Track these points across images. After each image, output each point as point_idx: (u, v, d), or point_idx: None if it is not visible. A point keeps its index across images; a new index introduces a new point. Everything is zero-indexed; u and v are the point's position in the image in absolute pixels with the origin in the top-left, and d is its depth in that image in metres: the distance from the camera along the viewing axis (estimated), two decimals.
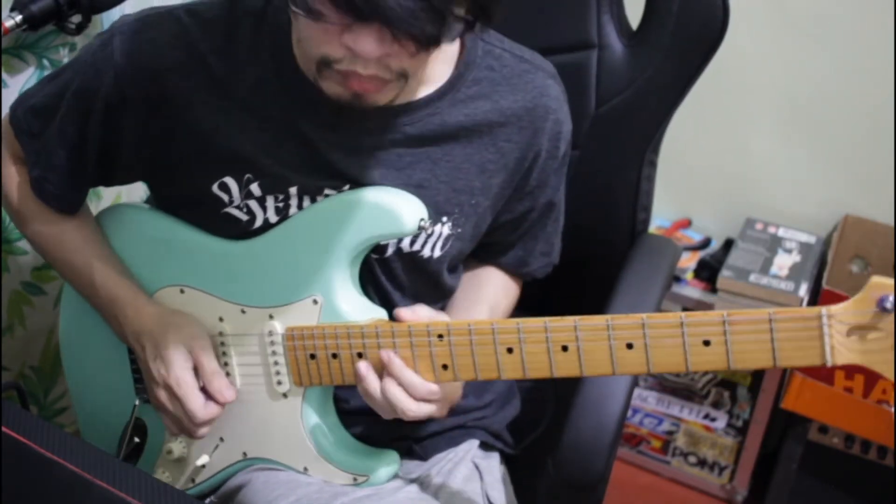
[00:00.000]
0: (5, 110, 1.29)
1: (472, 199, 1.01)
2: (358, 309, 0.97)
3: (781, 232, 1.96)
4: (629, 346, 0.84)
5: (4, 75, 1.29)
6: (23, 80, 1.32)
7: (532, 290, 1.20)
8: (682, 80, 1.20)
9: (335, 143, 0.95)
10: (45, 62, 1.33)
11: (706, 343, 0.82)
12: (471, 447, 1.11)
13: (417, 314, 0.93)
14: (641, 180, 1.27)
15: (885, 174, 1.84)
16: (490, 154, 1.00)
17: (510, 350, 0.89)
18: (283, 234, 0.98)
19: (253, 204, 0.98)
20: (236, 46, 0.94)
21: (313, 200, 0.97)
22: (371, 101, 0.88)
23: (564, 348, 0.87)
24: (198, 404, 0.97)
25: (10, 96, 1.30)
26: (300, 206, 0.97)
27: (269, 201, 0.97)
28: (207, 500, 1.09)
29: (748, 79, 1.90)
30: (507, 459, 1.15)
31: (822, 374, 1.72)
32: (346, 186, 0.96)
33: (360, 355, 0.95)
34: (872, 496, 1.88)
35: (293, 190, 0.96)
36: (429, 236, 1.00)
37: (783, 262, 1.88)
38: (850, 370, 1.71)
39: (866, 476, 1.87)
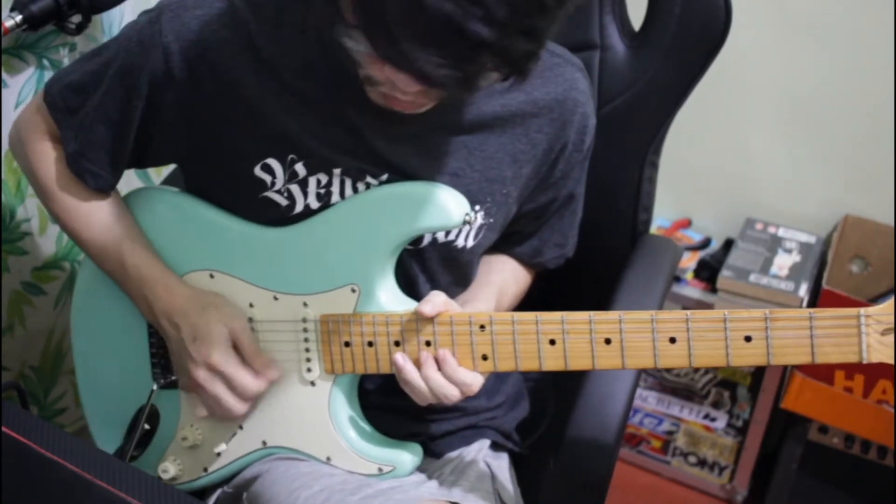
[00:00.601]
0: (5, 110, 1.29)
1: (503, 188, 1.02)
2: (395, 299, 0.98)
3: (781, 232, 1.96)
4: (672, 340, 0.88)
5: (4, 75, 1.29)
6: (23, 80, 1.32)
7: (532, 290, 1.19)
8: (684, 81, 1.21)
9: (378, 130, 0.96)
10: (45, 62, 1.33)
11: (748, 339, 0.86)
12: (482, 446, 1.12)
13: (435, 304, 0.94)
14: (643, 181, 1.27)
15: (885, 174, 1.84)
16: (522, 144, 1.01)
17: (553, 342, 0.91)
18: (323, 221, 0.98)
19: (294, 188, 0.98)
20: (284, 28, 0.94)
21: (355, 185, 0.97)
22: (410, 112, 0.89)
23: (608, 341, 0.90)
24: (249, 380, 0.98)
25: (11, 96, 1.30)
26: (342, 192, 0.98)
27: (312, 185, 0.97)
28: (219, 491, 1.09)
29: (748, 79, 1.90)
30: (513, 458, 1.16)
31: (822, 374, 1.72)
32: (385, 175, 0.97)
33: (397, 343, 0.96)
34: (872, 496, 1.89)
35: (337, 171, 0.97)
36: (464, 226, 1.01)
37: (783, 262, 1.88)
38: (851, 370, 1.71)
39: (866, 476, 1.87)
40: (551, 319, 0.91)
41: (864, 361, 0.84)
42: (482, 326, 0.93)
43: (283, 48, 0.94)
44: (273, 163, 0.97)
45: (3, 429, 0.84)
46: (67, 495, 0.80)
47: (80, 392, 1.18)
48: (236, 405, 0.99)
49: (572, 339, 0.90)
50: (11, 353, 1.45)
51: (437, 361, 0.94)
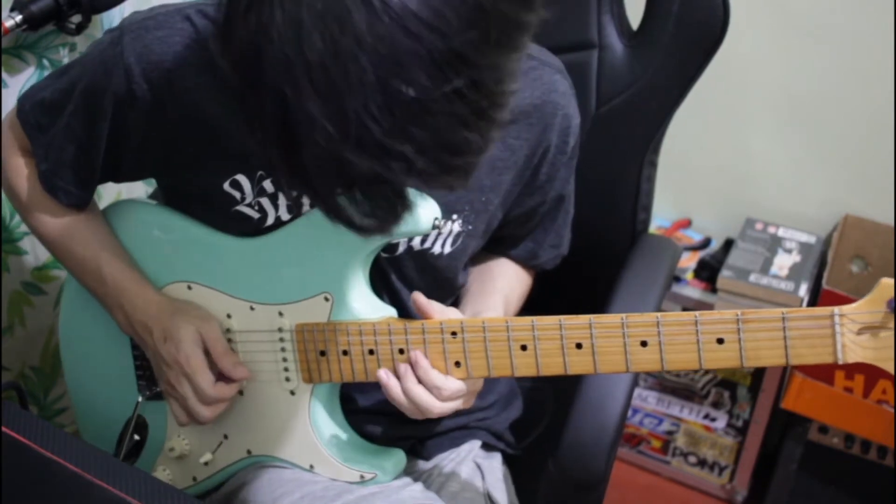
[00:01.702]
0: (5, 110, 1.29)
1: (482, 196, 1.01)
2: (369, 307, 0.97)
3: (781, 232, 1.96)
4: (643, 343, 0.86)
5: (4, 75, 1.29)
6: (23, 80, 1.32)
7: (531, 292, 1.19)
8: (683, 81, 1.20)
9: None
10: (45, 62, 1.33)
11: (720, 341, 0.84)
12: (473, 447, 1.12)
13: (432, 306, 0.94)
14: (642, 180, 1.27)
15: (885, 174, 1.84)
16: (500, 152, 1.00)
17: (524, 347, 0.90)
18: (294, 231, 0.98)
19: (265, 201, 0.98)
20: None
21: None
22: None
23: (579, 346, 0.88)
24: (207, 380, 0.97)
25: (10, 96, 1.30)
26: (313, 203, 0.97)
27: (282, 198, 0.97)
28: (209, 499, 1.09)
29: (748, 78, 1.90)
30: (508, 459, 1.16)
31: (822, 374, 1.72)
32: None
33: (371, 352, 0.95)
34: (872, 496, 1.88)
35: None
36: (439, 233, 1.01)
37: (783, 262, 1.88)
38: (850, 370, 1.71)
39: (866, 476, 1.87)
40: (522, 325, 0.89)
41: (840, 362, 0.81)
42: (454, 333, 0.92)
43: None
44: (241, 179, 0.97)
45: (3, 429, 0.84)
46: (67, 495, 0.80)
47: (72, 403, 1.19)
48: (200, 409, 0.99)
49: (543, 344, 0.89)
50: (11, 353, 1.45)
51: (412, 366, 0.93)
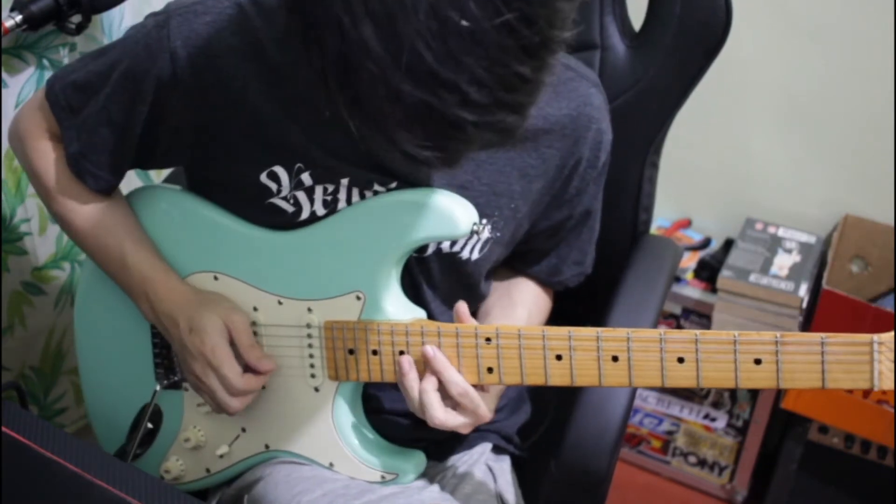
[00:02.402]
0: (5, 110, 1.29)
1: (511, 202, 1.01)
2: (400, 308, 0.97)
3: (781, 232, 1.96)
4: (680, 360, 0.87)
5: (4, 75, 1.29)
6: (23, 80, 1.32)
7: None
8: (685, 82, 1.20)
9: None
10: (45, 62, 1.33)
11: (757, 362, 0.85)
12: (484, 450, 1.12)
13: (472, 321, 0.94)
14: (643, 181, 1.27)
15: (885, 174, 1.84)
16: (532, 160, 1.00)
17: (559, 357, 0.90)
18: (329, 227, 0.97)
19: (301, 195, 0.97)
20: (296, 37, 0.93)
21: (362, 193, 0.96)
22: None
23: (615, 359, 0.88)
24: (235, 371, 0.97)
25: (10, 96, 1.30)
26: (349, 199, 0.97)
27: (318, 193, 0.97)
28: (220, 492, 1.09)
29: (748, 79, 1.90)
30: (514, 461, 1.16)
31: None
32: (394, 183, 0.96)
33: (402, 353, 0.95)
34: (872, 496, 1.88)
35: (344, 181, 0.96)
36: (469, 238, 1.00)
37: (783, 262, 1.88)
38: None
39: (866, 476, 1.87)
40: (558, 335, 0.89)
41: (876, 389, 0.82)
42: (488, 339, 0.92)
43: (294, 57, 0.91)
44: (279, 170, 0.96)
45: (3, 429, 0.84)
46: (67, 495, 0.80)
47: (84, 391, 1.18)
48: (229, 401, 0.98)
49: (579, 355, 0.89)
50: (11, 353, 1.45)
51: (427, 361, 0.93)
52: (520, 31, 0.66)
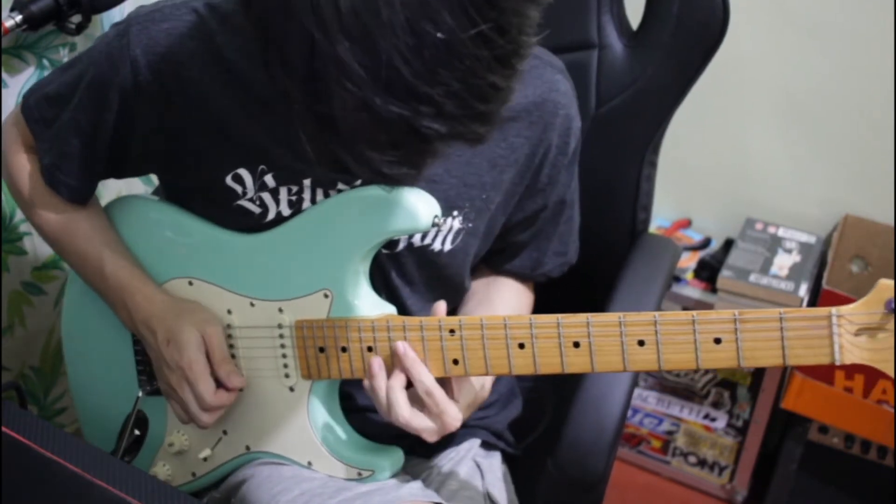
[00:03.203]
0: (5, 110, 1.29)
1: (482, 193, 1.01)
2: (369, 304, 0.97)
3: (781, 232, 1.96)
4: (641, 343, 0.86)
5: (4, 75, 1.29)
6: (23, 80, 1.32)
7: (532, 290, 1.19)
8: (683, 81, 1.20)
9: None
10: (45, 62, 1.34)
11: (717, 341, 0.83)
12: (472, 446, 1.12)
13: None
14: (641, 180, 1.27)
15: (885, 174, 1.84)
16: (500, 149, 1.00)
17: (522, 345, 0.89)
18: (294, 227, 0.98)
19: (266, 196, 0.98)
20: (257, 48, 0.93)
21: (326, 193, 0.97)
22: None
23: (576, 345, 0.88)
24: (208, 388, 0.97)
25: (10, 96, 1.31)
26: (313, 199, 0.97)
27: (283, 193, 0.97)
28: (208, 496, 1.09)
29: (748, 78, 1.90)
30: (508, 459, 1.16)
31: (822, 374, 1.72)
32: (359, 181, 0.96)
33: (370, 349, 0.95)
34: (872, 496, 1.88)
35: (307, 182, 0.96)
36: (439, 230, 1.00)
37: (783, 262, 1.88)
38: (850, 370, 1.71)
39: (866, 476, 1.87)
40: (520, 323, 0.89)
41: (837, 363, 0.81)
42: (452, 330, 0.91)
43: (252, 60, 0.92)
44: (243, 173, 0.97)
45: (3, 429, 0.84)
46: (67, 495, 0.80)
47: (73, 398, 1.19)
48: (200, 415, 0.99)
49: (541, 342, 0.89)
50: (11, 353, 1.45)
51: (397, 357, 0.92)
52: (494, 40, 0.66)
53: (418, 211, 0.91)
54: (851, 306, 0.80)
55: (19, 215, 1.39)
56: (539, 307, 1.15)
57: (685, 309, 1.87)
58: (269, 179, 0.97)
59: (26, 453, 0.83)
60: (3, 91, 1.29)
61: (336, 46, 0.65)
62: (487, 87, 0.68)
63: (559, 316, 0.88)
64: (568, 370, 0.89)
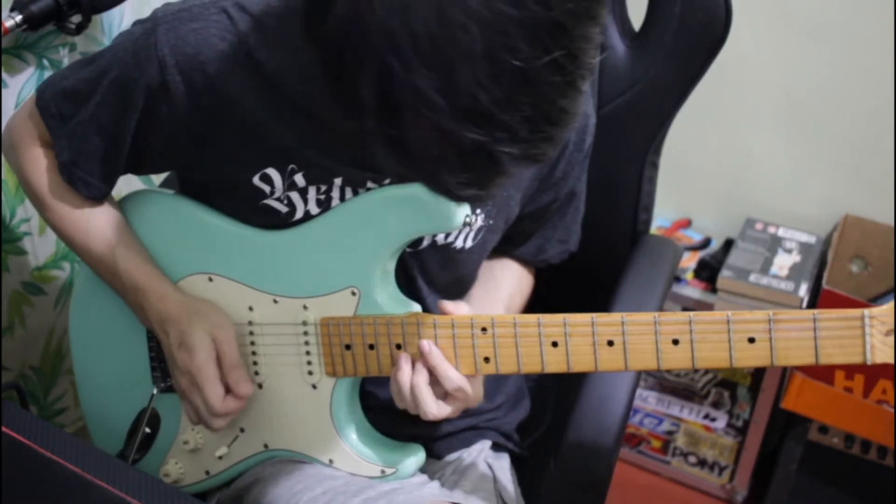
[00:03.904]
0: (5, 110, 1.29)
1: (504, 191, 1.01)
2: (395, 302, 0.97)
3: (781, 232, 1.96)
4: (675, 342, 0.88)
5: (4, 75, 1.29)
6: (23, 80, 1.32)
7: (534, 290, 1.19)
8: (684, 82, 1.21)
9: None
10: (45, 62, 1.33)
11: (751, 340, 0.86)
12: (483, 447, 1.12)
13: (460, 308, 0.94)
14: (643, 181, 1.27)
15: (885, 174, 1.84)
16: None
17: (555, 344, 0.91)
18: (322, 224, 0.98)
19: (294, 196, 0.97)
20: (284, 42, 0.92)
21: (356, 191, 0.97)
22: None
23: (610, 343, 0.89)
24: (216, 395, 0.97)
25: (10, 96, 1.30)
26: (342, 198, 0.97)
27: (312, 193, 0.97)
28: (219, 493, 1.08)
29: (749, 79, 1.90)
30: (514, 459, 1.16)
31: (822, 373, 1.72)
32: (387, 180, 0.96)
33: (398, 346, 0.95)
34: (872, 496, 1.89)
35: (338, 181, 0.96)
36: (463, 228, 1.00)
37: (783, 262, 1.88)
38: (851, 370, 1.71)
39: (866, 476, 1.87)
40: (553, 322, 0.90)
41: (868, 362, 0.84)
42: (484, 329, 0.92)
43: (283, 61, 0.92)
44: (272, 173, 0.96)
45: (3, 429, 0.84)
46: (67, 495, 0.80)
47: (80, 396, 1.18)
48: (210, 419, 0.98)
49: (574, 341, 0.90)
50: (11, 353, 1.45)
51: (422, 355, 0.93)
52: (566, 66, 0.67)
53: (452, 210, 0.91)
54: (884, 308, 0.83)
55: (19, 215, 1.39)
56: (540, 307, 1.14)
57: (685, 309, 1.89)
58: (298, 179, 0.96)
59: (26, 453, 0.82)
60: (3, 91, 1.29)
61: (414, 75, 0.66)
62: (558, 111, 0.70)
63: (594, 315, 0.89)
64: (601, 368, 0.91)
